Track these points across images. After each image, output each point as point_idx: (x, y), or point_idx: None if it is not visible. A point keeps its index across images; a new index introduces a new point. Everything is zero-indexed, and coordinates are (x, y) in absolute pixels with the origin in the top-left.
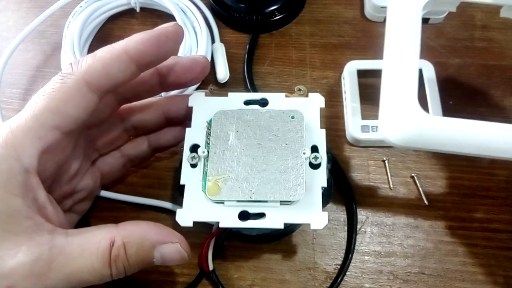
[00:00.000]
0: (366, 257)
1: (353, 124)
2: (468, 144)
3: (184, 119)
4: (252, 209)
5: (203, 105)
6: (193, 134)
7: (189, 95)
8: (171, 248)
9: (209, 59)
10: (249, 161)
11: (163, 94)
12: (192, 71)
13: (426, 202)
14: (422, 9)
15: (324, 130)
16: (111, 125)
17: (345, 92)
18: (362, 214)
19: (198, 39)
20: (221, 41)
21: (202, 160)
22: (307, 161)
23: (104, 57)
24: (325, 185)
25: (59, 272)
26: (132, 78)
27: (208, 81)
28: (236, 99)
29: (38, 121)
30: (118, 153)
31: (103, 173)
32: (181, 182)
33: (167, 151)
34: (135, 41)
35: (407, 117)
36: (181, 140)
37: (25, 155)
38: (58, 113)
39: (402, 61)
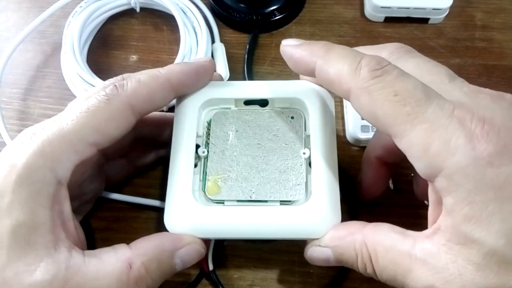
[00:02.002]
0: None
1: (353, 124)
2: (242, 230)
3: None
4: None
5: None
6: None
7: None
8: (189, 251)
9: None
10: (249, 161)
11: None
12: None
13: (426, 202)
14: (199, 108)
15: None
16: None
17: None
18: (362, 214)
19: (198, 39)
20: (221, 41)
21: (202, 160)
22: (307, 161)
23: (149, 83)
24: None
25: None
26: (167, 104)
27: None
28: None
29: (78, 135)
30: (124, 159)
31: (108, 177)
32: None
33: None
34: (177, 71)
35: (183, 209)
36: None
37: (60, 167)
38: (100, 131)
39: (179, 158)
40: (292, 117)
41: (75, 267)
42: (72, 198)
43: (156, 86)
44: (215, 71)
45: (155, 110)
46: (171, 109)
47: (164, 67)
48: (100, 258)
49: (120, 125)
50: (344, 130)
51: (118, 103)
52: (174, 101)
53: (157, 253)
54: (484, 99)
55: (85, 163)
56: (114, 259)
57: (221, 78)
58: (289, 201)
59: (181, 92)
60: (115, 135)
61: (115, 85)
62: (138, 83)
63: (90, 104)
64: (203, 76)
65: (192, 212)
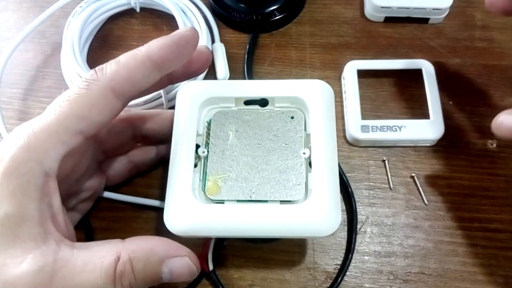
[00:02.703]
0: (366, 257)
1: (353, 124)
2: (243, 229)
3: None
4: None
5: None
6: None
7: None
8: (180, 262)
9: None
10: (249, 161)
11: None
12: (197, 62)
13: (426, 202)
14: (199, 107)
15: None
16: (121, 131)
17: (345, 92)
18: (362, 214)
19: None
20: (221, 41)
21: (202, 160)
22: (307, 161)
23: (128, 64)
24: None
25: (61, 286)
26: (153, 83)
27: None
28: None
29: (63, 125)
30: (125, 158)
31: (108, 176)
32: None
33: None
34: (157, 46)
35: (183, 207)
36: None
37: (47, 159)
38: (83, 118)
39: (179, 156)
40: (292, 117)
41: (63, 260)
42: (70, 195)
43: (136, 65)
44: (209, 56)
45: (140, 91)
46: (171, 108)
47: (144, 45)
48: (90, 250)
49: (103, 110)
50: (344, 130)
51: (98, 88)
52: (174, 100)
53: (147, 254)
54: None
55: (74, 153)
56: (104, 252)
57: (207, 49)
58: (289, 201)
59: (166, 69)
60: (99, 121)
61: (95, 70)
62: (117, 64)
63: (71, 92)
64: (185, 47)
65: (192, 210)
